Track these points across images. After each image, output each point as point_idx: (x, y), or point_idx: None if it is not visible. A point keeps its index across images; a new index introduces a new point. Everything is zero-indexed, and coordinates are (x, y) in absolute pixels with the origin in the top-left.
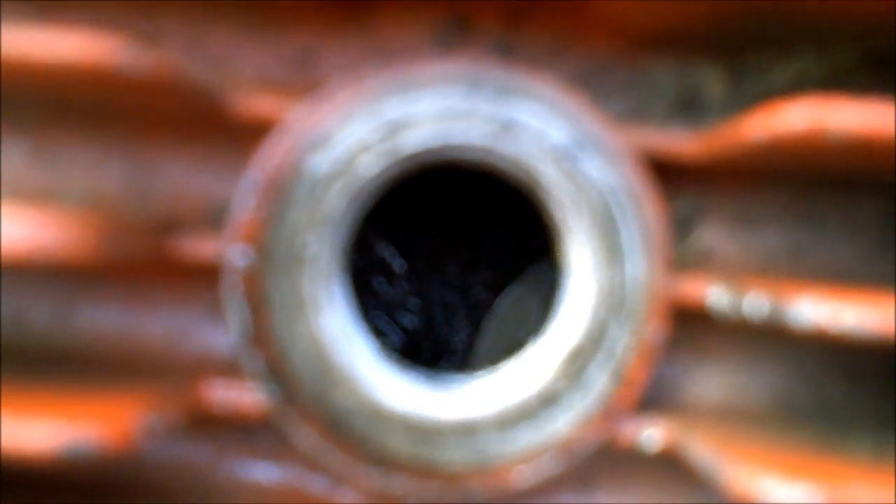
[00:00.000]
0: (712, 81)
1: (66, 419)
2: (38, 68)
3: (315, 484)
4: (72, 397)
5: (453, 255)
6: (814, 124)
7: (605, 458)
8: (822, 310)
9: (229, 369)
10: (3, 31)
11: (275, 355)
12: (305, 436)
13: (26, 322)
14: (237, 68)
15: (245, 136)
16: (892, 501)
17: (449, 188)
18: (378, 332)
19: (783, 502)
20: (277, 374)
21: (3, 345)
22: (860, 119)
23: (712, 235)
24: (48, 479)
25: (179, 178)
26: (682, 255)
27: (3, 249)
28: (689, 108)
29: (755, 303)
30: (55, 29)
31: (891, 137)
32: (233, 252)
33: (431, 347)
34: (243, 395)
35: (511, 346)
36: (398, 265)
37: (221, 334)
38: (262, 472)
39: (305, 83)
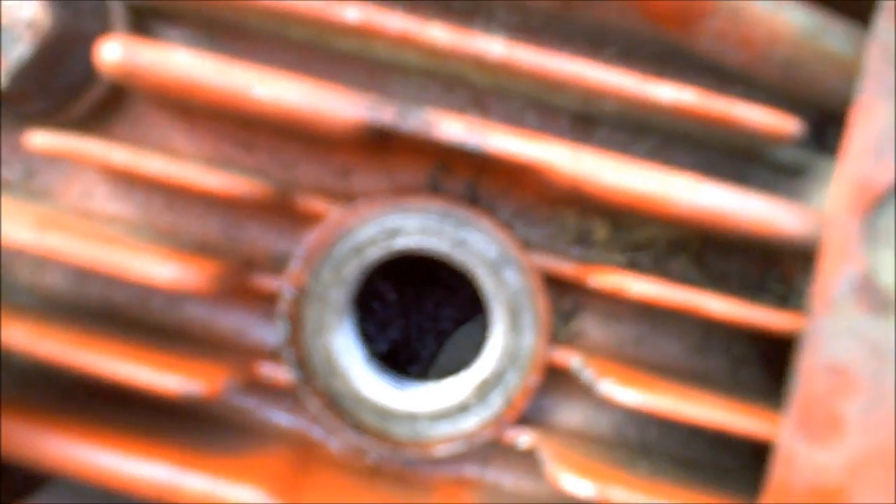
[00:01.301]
0: (600, 229)
1: (185, 375)
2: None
3: (316, 432)
4: (181, 360)
5: (430, 296)
6: (618, 286)
7: (497, 448)
8: (613, 388)
9: (273, 354)
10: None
11: (302, 354)
12: (314, 404)
13: (150, 305)
14: (302, 172)
15: (304, 220)
16: None
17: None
18: (370, 339)
19: (571, 490)
20: (302, 364)
21: (132, 323)
22: (645, 289)
23: (585, 324)
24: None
25: (260, 236)
26: (563, 334)
27: (162, 284)
28: (583, 242)
29: (587, 375)
30: None
31: (670, 303)
32: (286, 288)
33: (406, 355)
34: (280, 374)
35: (461, 362)
36: (391, 295)
37: (270, 332)
38: (284, 419)
39: (343, 188)
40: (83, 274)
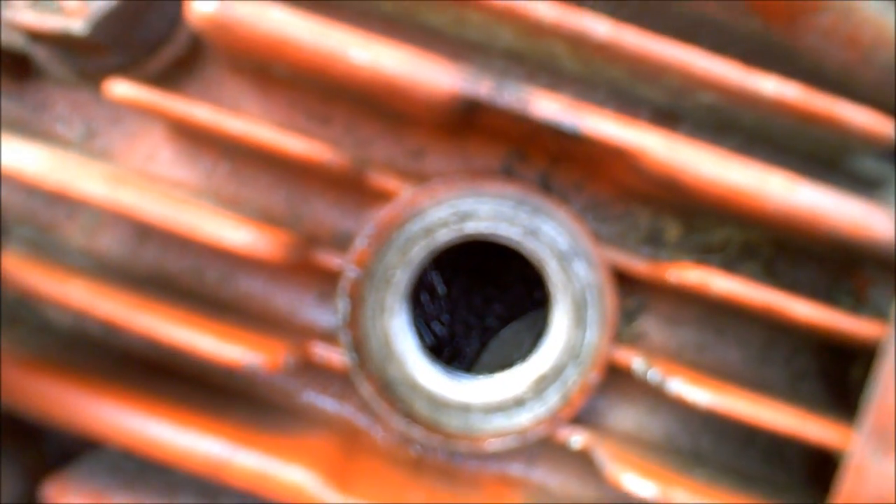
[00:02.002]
0: (672, 230)
1: (246, 346)
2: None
3: (361, 420)
4: (240, 332)
5: (479, 292)
6: (701, 281)
7: (546, 447)
8: (684, 388)
9: (327, 335)
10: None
11: (359, 336)
12: (366, 389)
13: (204, 276)
14: (376, 150)
15: (371, 195)
16: None
17: (489, 248)
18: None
19: (633, 490)
20: (358, 347)
21: (185, 294)
22: (729, 287)
23: (647, 325)
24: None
25: (326, 213)
26: (625, 334)
27: (234, 248)
28: (653, 242)
29: (653, 374)
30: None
31: (752, 302)
32: (349, 267)
33: (450, 351)
34: (334, 356)
35: (504, 362)
36: (440, 288)
37: (324, 313)
38: (330, 405)
39: (415, 170)
40: (139, 239)
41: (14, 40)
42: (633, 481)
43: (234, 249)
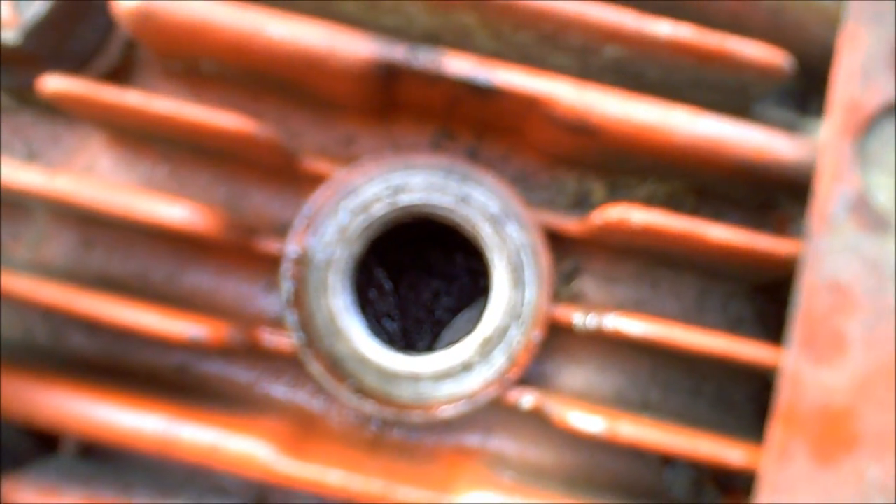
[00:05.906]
0: (598, 191)
1: (192, 321)
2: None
3: (315, 405)
4: (185, 314)
5: (427, 287)
6: (621, 216)
7: (501, 415)
8: (620, 321)
9: (275, 322)
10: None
11: (305, 316)
12: (316, 369)
13: (150, 277)
14: (308, 141)
15: (307, 182)
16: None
17: (431, 247)
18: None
19: (580, 427)
20: (305, 327)
21: (128, 290)
22: (647, 217)
23: (584, 286)
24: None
25: (265, 205)
26: (564, 294)
27: (172, 224)
28: (581, 205)
29: (591, 320)
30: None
31: (671, 230)
32: (289, 250)
33: (403, 346)
34: (282, 339)
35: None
36: (387, 285)
37: (272, 302)
38: (283, 392)
39: (347, 156)
40: (84, 248)
41: None
42: (579, 418)
43: (170, 225)
